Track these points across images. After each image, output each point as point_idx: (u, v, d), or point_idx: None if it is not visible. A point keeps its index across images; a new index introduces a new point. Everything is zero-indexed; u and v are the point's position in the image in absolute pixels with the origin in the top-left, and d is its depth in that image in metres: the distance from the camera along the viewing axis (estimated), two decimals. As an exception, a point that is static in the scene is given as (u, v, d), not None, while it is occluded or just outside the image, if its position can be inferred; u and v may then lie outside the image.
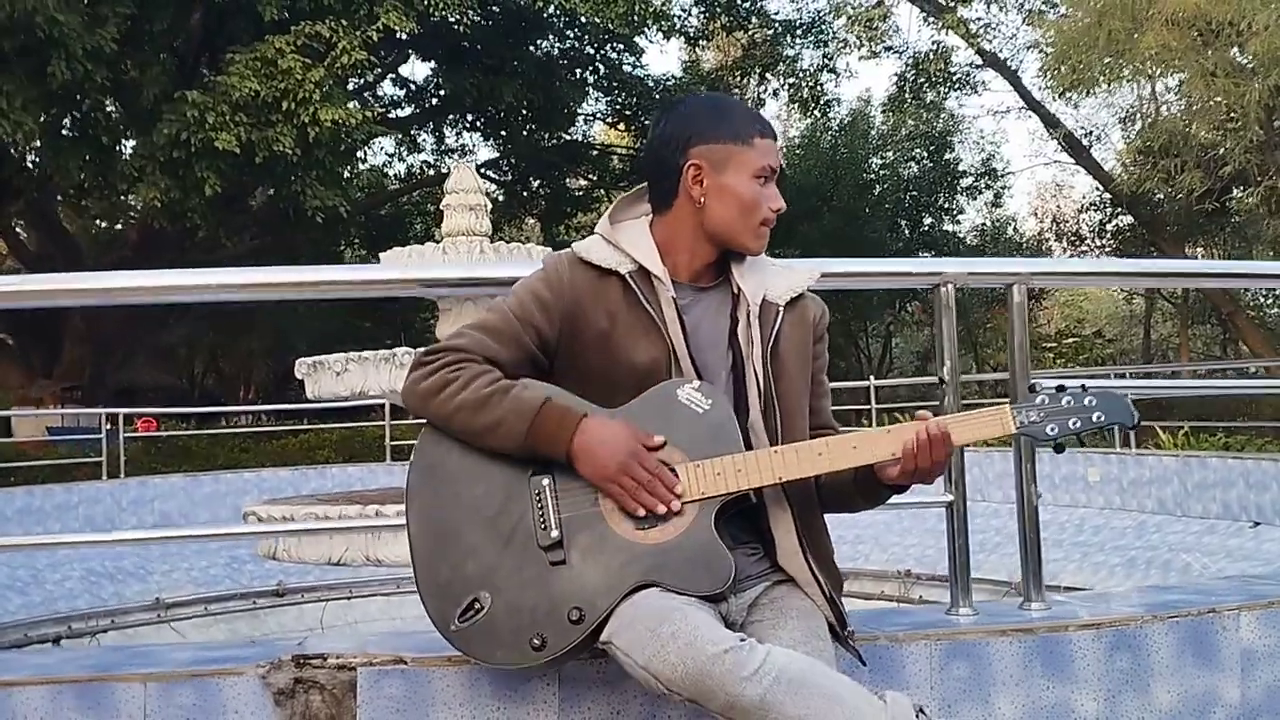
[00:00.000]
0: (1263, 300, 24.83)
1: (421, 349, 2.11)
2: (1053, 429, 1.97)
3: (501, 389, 2.00)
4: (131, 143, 14.96)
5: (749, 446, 2.05)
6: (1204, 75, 11.62)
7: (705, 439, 2.00)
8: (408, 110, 23.07)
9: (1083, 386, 1.99)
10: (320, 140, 13.43)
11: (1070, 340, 27.47)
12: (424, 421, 2.09)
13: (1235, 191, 13.67)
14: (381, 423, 13.88)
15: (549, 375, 2.13)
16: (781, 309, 2.15)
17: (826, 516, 2.18)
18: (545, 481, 2.00)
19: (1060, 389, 2.00)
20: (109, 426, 13.28)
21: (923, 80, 22.14)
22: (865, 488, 2.09)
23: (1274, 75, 11.02)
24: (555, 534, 1.97)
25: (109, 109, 14.72)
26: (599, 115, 24.82)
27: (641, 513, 1.96)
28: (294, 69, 12.98)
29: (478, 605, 1.97)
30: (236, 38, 14.34)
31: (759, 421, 2.09)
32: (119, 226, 21.25)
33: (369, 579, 10.52)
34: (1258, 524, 8.99)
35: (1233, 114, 11.91)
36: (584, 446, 1.95)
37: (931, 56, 21.60)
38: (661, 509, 1.95)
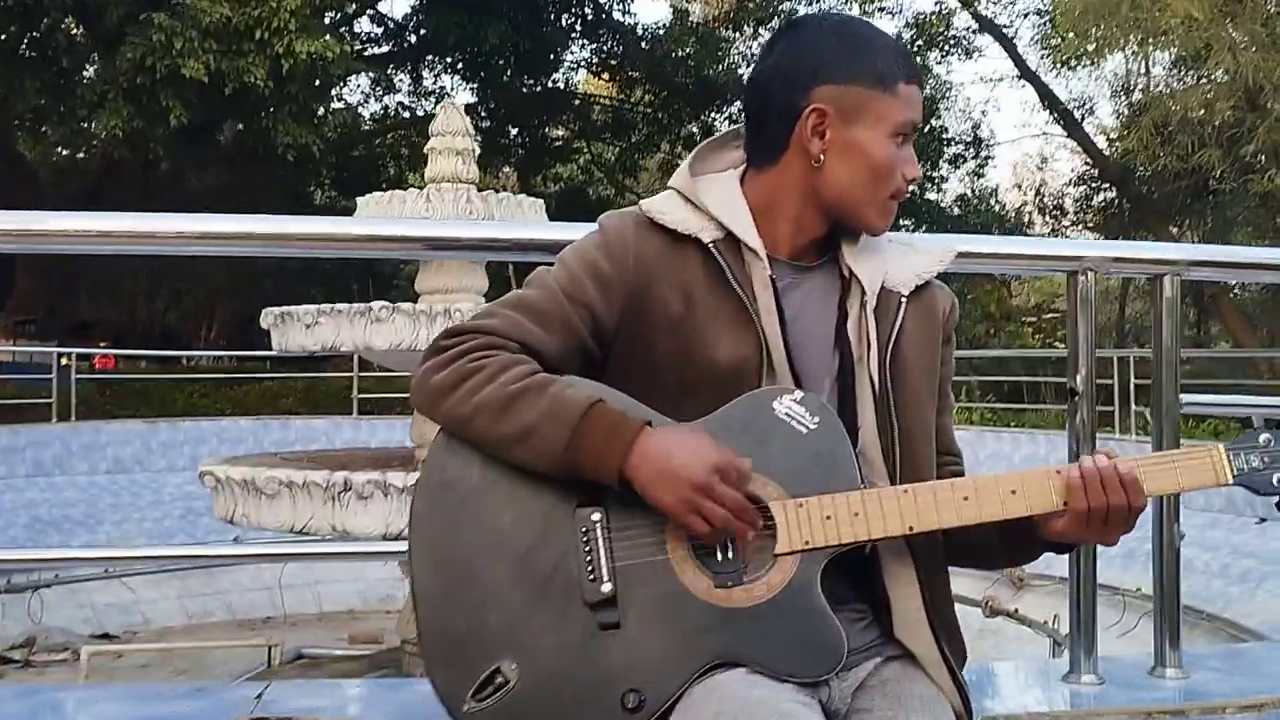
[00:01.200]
0: (1245, 284, 24.63)
1: (441, 331, 1.59)
2: None
3: (537, 385, 1.51)
4: (94, 66, 14.15)
5: (861, 478, 1.56)
6: (1230, 48, 11.18)
7: (810, 469, 1.51)
8: (385, 48, 22.25)
9: (1315, 423, 1.52)
10: (294, 73, 12.74)
11: (1050, 315, 27.19)
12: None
13: (1254, 172, 13.28)
14: (349, 374, 13.30)
15: (600, 374, 1.63)
16: (905, 299, 1.66)
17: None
18: (596, 517, 1.50)
19: (1284, 424, 1.52)
20: (65, 363, 12.64)
21: (921, 41, 21.60)
22: (1015, 542, 1.60)
23: (1307, 50, 10.63)
24: (608, 587, 1.48)
25: (70, 29, 13.91)
26: (583, 63, 24.12)
27: (724, 555, 1.47)
28: (269, -5, 12.25)
29: (500, 679, 1.47)
30: (208, -41, 13.52)
31: (873, 445, 1.60)
32: (80, 155, 20.34)
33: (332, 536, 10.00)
34: (1264, 520, 8.65)
35: (1261, 89, 11.49)
36: (647, 461, 1.46)
37: (934, 19, 21.05)
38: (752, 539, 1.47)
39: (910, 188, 1.64)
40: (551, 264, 1.66)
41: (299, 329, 6.32)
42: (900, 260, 1.70)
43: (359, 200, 6.96)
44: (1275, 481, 1.50)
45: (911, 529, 1.50)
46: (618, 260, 1.60)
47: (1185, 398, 2.06)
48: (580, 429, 1.47)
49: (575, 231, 1.63)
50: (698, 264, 1.60)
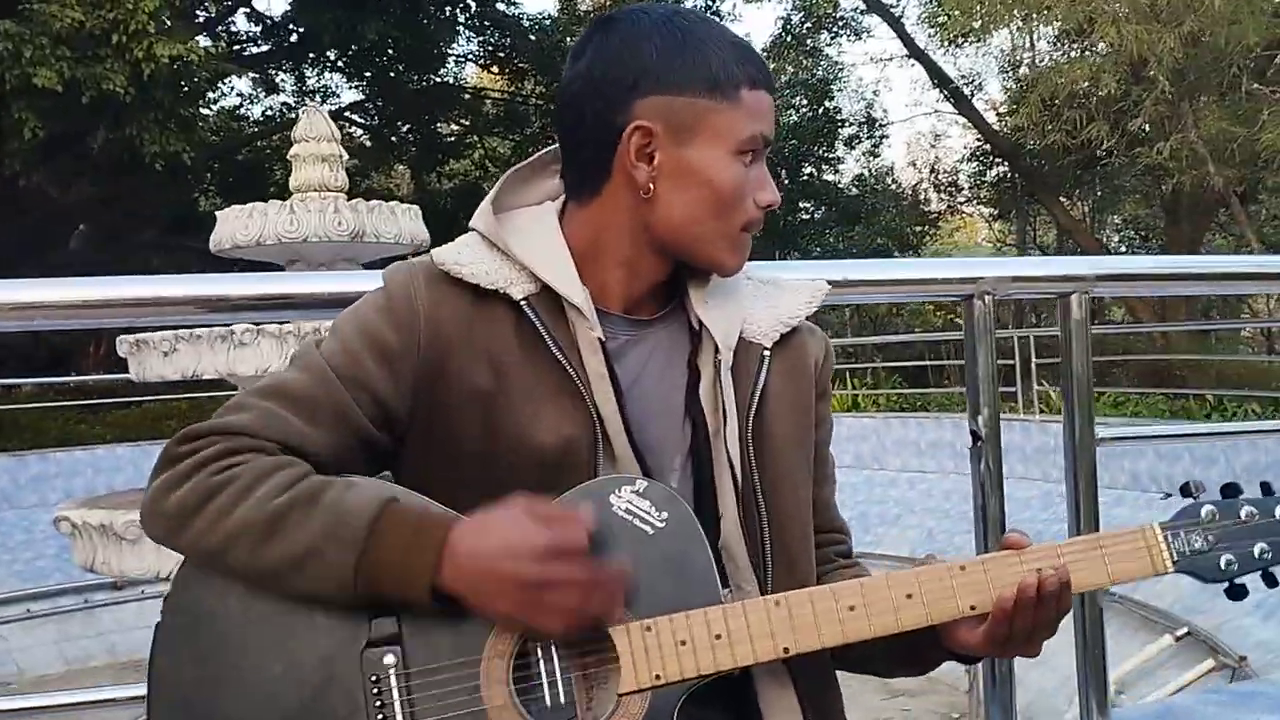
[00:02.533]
0: (1136, 250, 25.08)
1: (175, 435, 1.24)
2: (1230, 561, 1.22)
3: (306, 495, 1.17)
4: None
5: (724, 583, 1.25)
6: (1114, 21, 11.17)
7: (659, 580, 1.20)
8: (265, 47, 21.44)
9: (1266, 486, 1.25)
10: (157, 78, 12.04)
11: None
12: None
13: (1142, 146, 13.39)
14: (233, 392, 12.68)
15: (393, 472, 1.30)
16: (768, 353, 1.35)
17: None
18: (389, 660, 1.17)
19: (1231, 490, 1.24)
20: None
21: (809, 24, 21.52)
22: (915, 654, 1.31)
23: (1188, 21, 10.61)
24: (405, 754, 1.15)
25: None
26: (470, 56, 23.57)
27: (555, 697, 1.15)
28: (124, -3, 11.54)
29: None
30: (59, -39, 12.72)
31: (737, 540, 1.29)
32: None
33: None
34: (1169, 495, 8.63)
35: (1145, 62, 11.51)
36: (465, 567, 1.14)
37: (821, 1, 20.98)
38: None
39: (763, 215, 1.32)
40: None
41: (156, 356, 5.83)
42: (761, 303, 1.39)
43: (218, 215, 6.47)
44: (1223, 565, 1.22)
45: (786, 650, 1.20)
46: (405, 327, 1.26)
47: (1102, 430, 1.80)
48: (371, 544, 1.14)
49: (341, 283, 1.29)
50: (508, 326, 1.28)
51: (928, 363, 17.02)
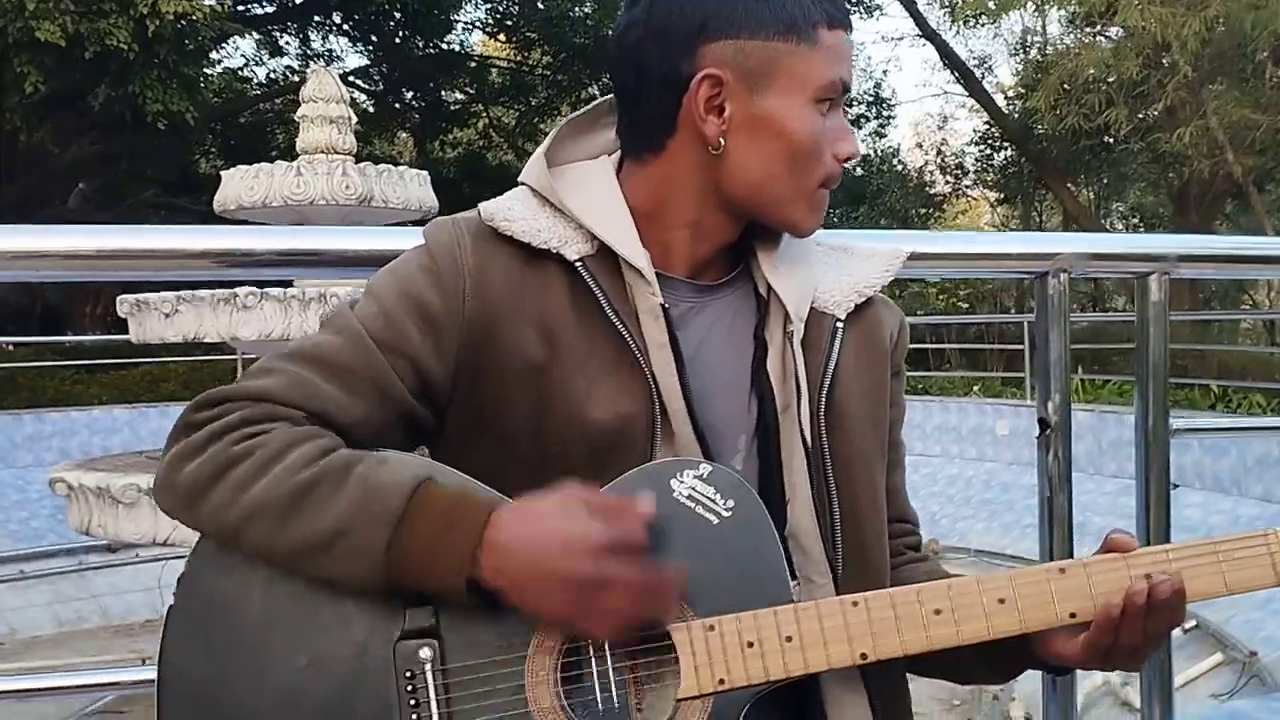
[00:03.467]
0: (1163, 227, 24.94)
1: (195, 400, 1.12)
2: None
3: (336, 469, 1.05)
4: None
5: (792, 575, 1.14)
6: (1137, 3, 10.98)
7: (723, 575, 1.09)
8: (269, 8, 21.19)
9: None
10: (162, 35, 11.83)
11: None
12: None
13: (1161, 131, 13.20)
14: (234, 357, 12.55)
15: (433, 448, 1.18)
16: (841, 325, 1.23)
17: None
18: (426, 654, 1.06)
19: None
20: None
21: (821, 0, 21.29)
22: (1001, 659, 1.19)
23: (1214, 5, 10.43)
24: (442, 757, 1.04)
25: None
26: (478, 23, 23.30)
27: (607, 700, 1.05)
28: (130, -49, 11.34)
29: None
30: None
31: (808, 529, 1.18)
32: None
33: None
34: (1176, 485, 8.52)
35: (1167, 46, 11.33)
36: (509, 559, 1.02)
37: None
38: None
39: (842, 169, 1.21)
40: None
41: (156, 318, 5.73)
42: (834, 271, 1.27)
43: (224, 174, 6.35)
44: (1353, 578, 1.11)
45: (864, 657, 1.08)
46: (450, 291, 1.14)
47: (1176, 421, 1.69)
48: (406, 524, 1.02)
49: (380, 240, 1.16)
50: (561, 290, 1.16)
51: (929, 345, 16.88)
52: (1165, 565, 1.10)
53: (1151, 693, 1.71)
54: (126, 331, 6.21)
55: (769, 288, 1.22)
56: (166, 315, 5.70)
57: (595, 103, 1.27)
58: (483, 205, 1.19)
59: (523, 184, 1.21)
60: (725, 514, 1.09)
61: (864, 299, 1.27)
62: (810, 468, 1.18)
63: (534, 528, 1.03)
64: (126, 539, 5.60)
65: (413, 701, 1.05)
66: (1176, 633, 5.47)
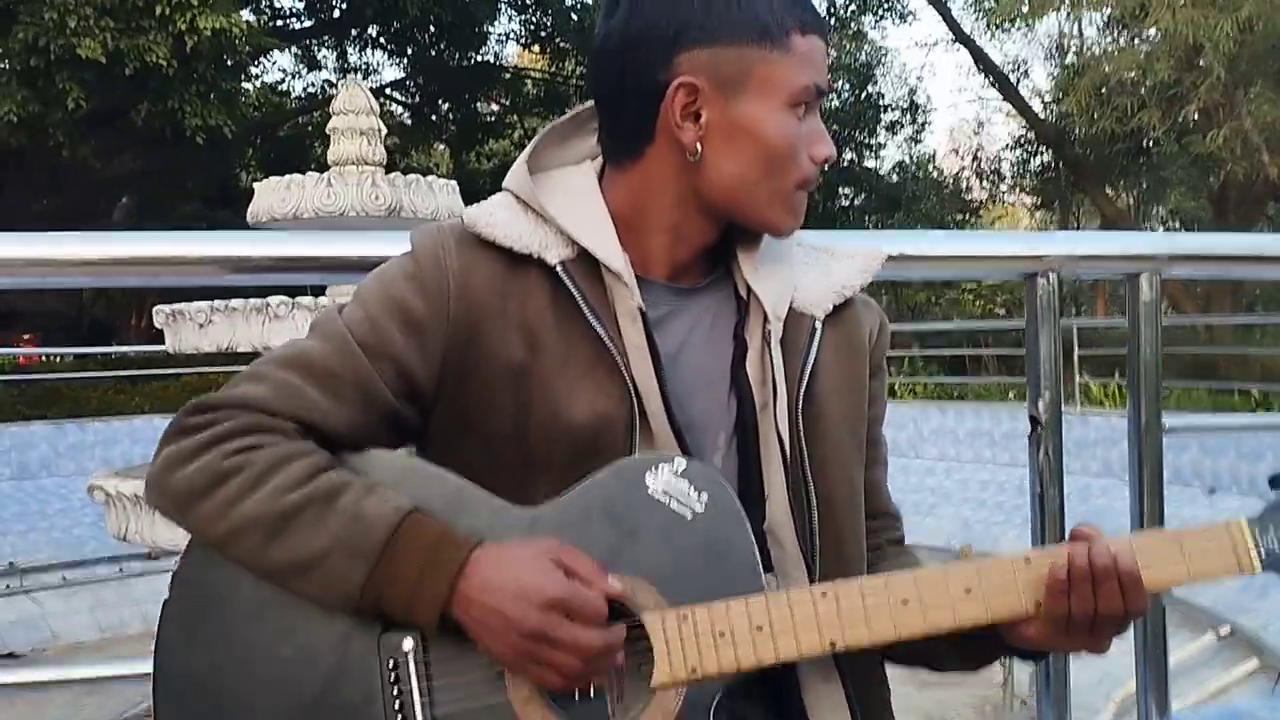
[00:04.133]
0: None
1: (187, 405, 1.17)
2: (1323, 561, 1.13)
3: (324, 494, 1.10)
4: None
5: (768, 569, 1.18)
6: (1169, 6, 10.89)
7: (697, 567, 1.13)
8: (308, 23, 21.47)
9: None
10: (200, 51, 12.04)
11: (991, 282, 27.08)
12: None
13: (1192, 133, 13.09)
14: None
15: (420, 447, 1.22)
16: (820, 324, 1.26)
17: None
18: (408, 645, 1.10)
19: (1322, 485, 1.15)
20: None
21: (853, 7, 21.26)
22: (973, 647, 1.22)
23: (1247, 7, 10.33)
24: (423, 744, 1.08)
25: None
26: (512, 35, 23.51)
27: (583, 692, 1.09)
28: (168, -32, 11.54)
29: None
30: (105, -68, 12.74)
31: (784, 524, 1.21)
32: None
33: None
34: (1214, 490, 8.44)
35: (1200, 48, 11.23)
36: (474, 601, 1.07)
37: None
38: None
39: (819, 171, 1.24)
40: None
41: (191, 328, 5.82)
42: (813, 271, 1.30)
43: (256, 186, 6.44)
44: (1319, 564, 1.13)
45: (833, 645, 1.11)
46: (434, 295, 1.18)
47: (1169, 420, 1.70)
48: (385, 561, 1.07)
49: (373, 245, 1.21)
50: (542, 295, 1.19)
51: (965, 351, 16.80)
52: (1125, 548, 1.12)
53: (1147, 691, 1.72)
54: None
55: (749, 289, 1.25)
56: (200, 325, 5.80)
57: (578, 109, 1.31)
58: (466, 211, 1.23)
59: (505, 190, 1.25)
60: (699, 508, 1.12)
61: (843, 299, 1.30)
62: (786, 465, 1.21)
63: (499, 572, 1.07)
64: (163, 545, 5.69)
65: (395, 690, 1.09)
66: (1210, 639, 5.40)
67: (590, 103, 1.29)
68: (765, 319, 1.24)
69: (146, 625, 9.40)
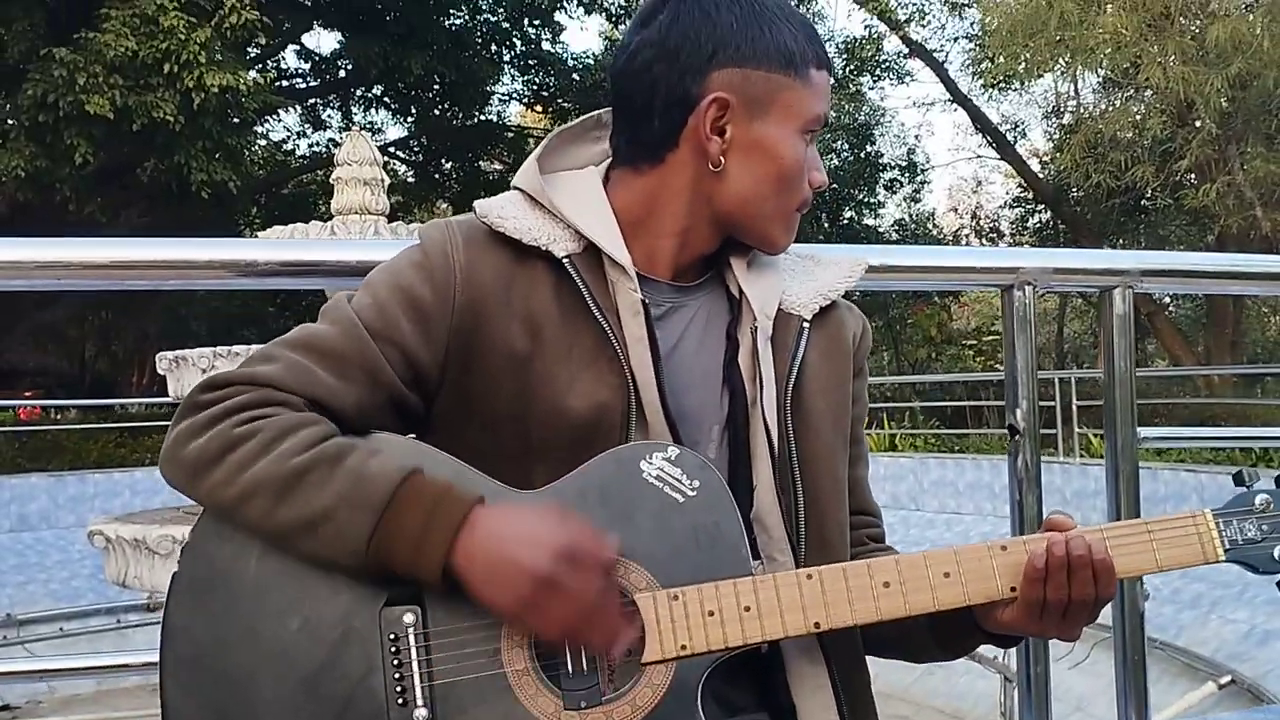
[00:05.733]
0: (1179, 300, 24.80)
1: (200, 382, 1.23)
2: (1283, 551, 1.17)
3: (330, 455, 1.14)
4: (-5, 105, 13.62)
5: (755, 555, 1.22)
6: (1157, 63, 11.09)
7: (688, 549, 1.17)
8: (313, 83, 21.81)
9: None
10: (207, 108, 12.23)
11: (990, 337, 27.21)
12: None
13: (1188, 186, 13.26)
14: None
15: (423, 433, 1.27)
16: (807, 325, 1.32)
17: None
18: (409, 619, 1.14)
19: (1287, 482, 1.20)
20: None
21: (851, 67, 21.59)
22: (950, 633, 1.26)
23: (1237, 63, 10.52)
24: (421, 714, 1.13)
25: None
26: (515, 95, 23.83)
27: (577, 666, 1.13)
28: (177, 28, 11.75)
29: None
30: (115, -7, 13.00)
31: (771, 510, 1.26)
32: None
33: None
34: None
35: (1191, 104, 11.42)
36: (480, 551, 1.10)
37: (864, 42, 21.08)
38: (619, 653, 1.13)
39: (811, 198, 1.32)
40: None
41: (194, 374, 5.91)
42: (800, 276, 1.37)
43: (260, 235, 6.56)
44: (1277, 555, 1.17)
45: (817, 625, 1.16)
46: (441, 284, 1.23)
47: (1144, 431, 1.75)
48: (390, 514, 1.11)
49: (380, 250, 1.27)
50: (547, 287, 1.25)
51: (965, 403, 16.82)
52: (1098, 539, 1.17)
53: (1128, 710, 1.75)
54: (168, 395, 6.38)
55: (740, 290, 1.31)
56: (204, 371, 5.87)
57: (584, 117, 1.38)
58: (477, 203, 1.29)
59: (515, 188, 1.31)
60: (691, 493, 1.17)
61: (829, 302, 1.35)
62: (774, 456, 1.26)
63: (506, 524, 1.12)
64: (161, 589, 5.71)
65: (396, 662, 1.13)
66: (1210, 688, 5.36)
67: (597, 112, 1.36)
68: (755, 319, 1.29)
69: (144, 678, 9.35)
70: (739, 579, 1.15)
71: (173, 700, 1.16)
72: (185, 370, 5.93)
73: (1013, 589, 1.17)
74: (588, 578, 1.09)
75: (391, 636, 1.13)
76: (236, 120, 13.86)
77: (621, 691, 1.14)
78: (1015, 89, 19.46)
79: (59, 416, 17.36)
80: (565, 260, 1.25)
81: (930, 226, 29.38)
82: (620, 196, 1.30)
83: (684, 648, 1.14)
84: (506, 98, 23.93)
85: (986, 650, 7.65)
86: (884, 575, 1.17)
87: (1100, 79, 16.97)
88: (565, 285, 1.24)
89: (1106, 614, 1.48)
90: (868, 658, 1.33)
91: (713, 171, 1.26)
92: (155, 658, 1.20)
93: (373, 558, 1.11)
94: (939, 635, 1.26)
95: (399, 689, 1.12)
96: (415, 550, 1.11)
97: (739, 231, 1.30)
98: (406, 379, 1.22)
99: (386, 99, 22.04)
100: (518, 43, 21.51)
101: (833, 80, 1.35)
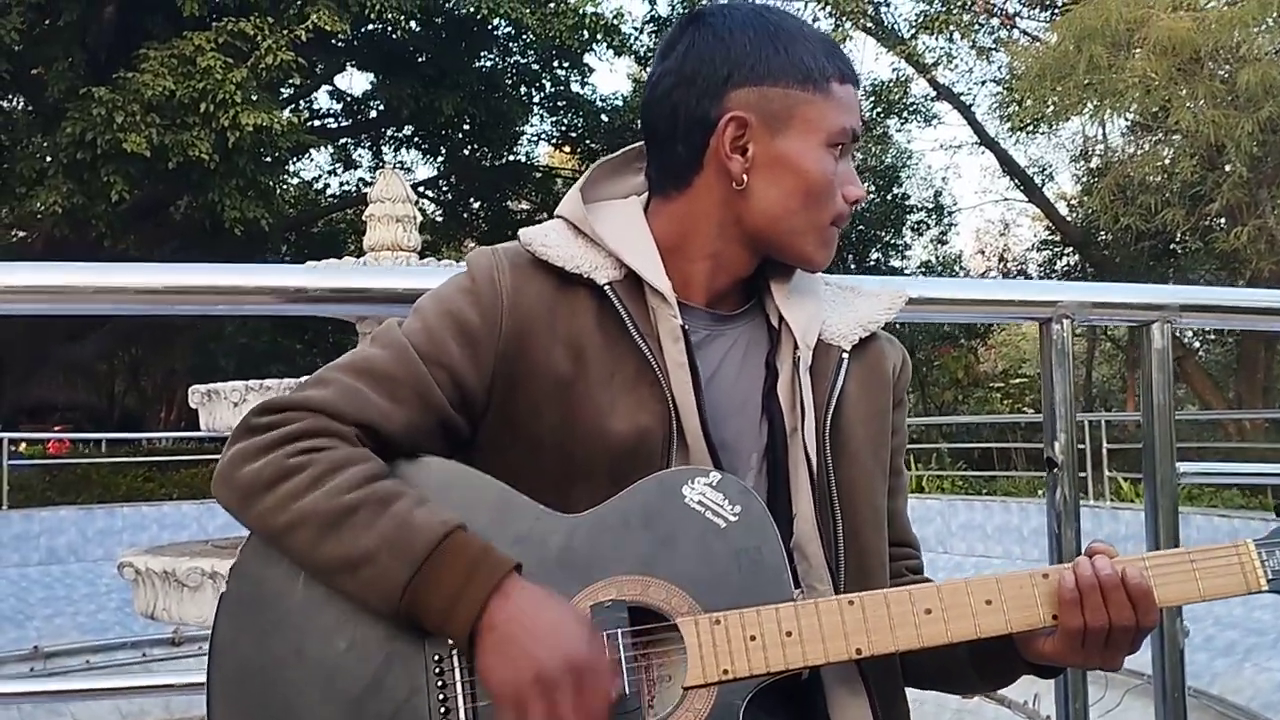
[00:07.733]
0: (1209, 346, 24.61)
1: (256, 405, 1.25)
2: (1329, 580, 1.17)
3: (378, 499, 1.15)
4: (34, 143, 13.84)
5: (796, 583, 1.22)
6: (1187, 107, 11.09)
7: (729, 574, 1.17)
8: (346, 123, 22.09)
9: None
10: (241, 147, 12.42)
11: (1017, 380, 27.05)
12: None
13: (1217, 229, 13.20)
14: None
15: (469, 453, 1.28)
16: (846, 355, 1.33)
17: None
18: (452, 644, 1.15)
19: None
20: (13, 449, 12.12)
21: (878, 110, 21.66)
22: (991, 662, 1.26)
23: (1267, 107, 10.50)
24: (465, 739, 1.12)
25: (12, 105, 13.61)
26: (544, 136, 24.03)
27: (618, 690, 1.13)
28: (214, 68, 11.97)
29: None
30: (153, 34, 13.25)
31: (811, 539, 1.26)
32: (22, 234, 19.90)
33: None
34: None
35: (1221, 148, 11.40)
36: (501, 621, 1.11)
37: (892, 85, 21.16)
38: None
39: (852, 210, 1.33)
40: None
41: (226, 407, 5.93)
42: (841, 307, 1.38)
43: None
44: (1324, 583, 1.17)
45: (859, 651, 1.15)
46: (488, 310, 1.26)
47: (1183, 466, 1.74)
48: (429, 566, 1.11)
49: (429, 278, 1.29)
50: (589, 313, 1.27)
51: (994, 445, 16.72)
52: (1137, 567, 1.17)
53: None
54: (198, 429, 6.41)
55: (780, 318, 1.32)
56: (235, 404, 5.91)
57: (626, 149, 1.41)
58: (522, 231, 1.31)
59: (559, 216, 1.34)
60: (732, 518, 1.18)
61: (869, 333, 1.36)
62: (814, 485, 1.27)
63: (536, 607, 1.11)
64: (190, 622, 5.72)
65: (440, 684, 1.14)
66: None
67: (637, 144, 1.38)
68: (795, 348, 1.30)
69: (168, 712, 9.35)
70: (780, 605, 1.16)
71: (220, 718, 1.17)
72: (217, 404, 5.96)
73: (1054, 617, 1.17)
74: (584, 703, 1.08)
75: (436, 658, 1.14)
76: (269, 159, 14.06)
77: (663, 717, 1.14)
78: (1043, 132, 19.45)
79: (88, 450, 17.51)
80: (606, 287, 1.27)
81: (957, 269, 29.34)
82: (658, 224, 1.32)
83: (726, 672, 1.14)
84: (535, 138, 24.14)
85: (1017, 695, 7.55)
86: (926, 602, 1.17)
87: (1129, 122, 16.96)
88: (607, 311, 1.26)
89: (1141, 659, 1.47)
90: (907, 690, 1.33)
91: (738, 190, 1.27)
92: (179, 680, 1.21)
93: (405, 607, 1.12)
94: (979, 665, 1.26)
95: (443, 710, 1.13)
96: (450, 606, 1.11)
97: (773, 249, 1.31)
98: (454, 401, 1.24)
99: (417, 139, 22.27)
100: (547, 84, 21.71)
101: (862, 109, 1.35)
